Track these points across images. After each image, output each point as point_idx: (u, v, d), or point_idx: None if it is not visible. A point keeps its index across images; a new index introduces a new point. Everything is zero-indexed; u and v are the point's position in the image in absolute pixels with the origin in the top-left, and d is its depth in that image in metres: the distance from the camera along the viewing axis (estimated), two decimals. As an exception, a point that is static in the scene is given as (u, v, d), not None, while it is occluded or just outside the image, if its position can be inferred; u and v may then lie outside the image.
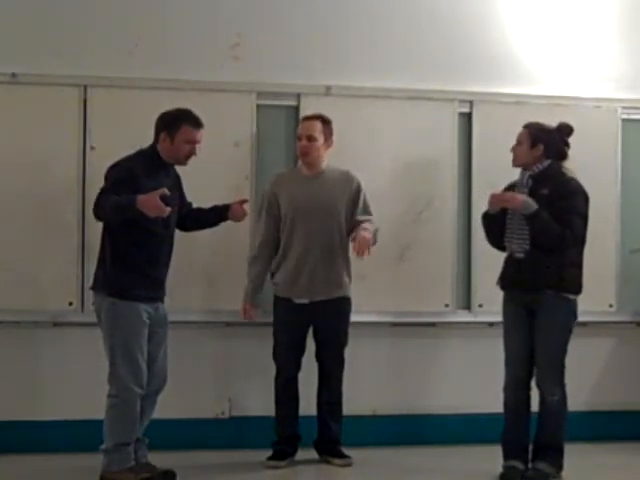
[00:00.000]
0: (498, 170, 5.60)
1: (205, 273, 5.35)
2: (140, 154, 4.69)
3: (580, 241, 4.88)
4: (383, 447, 5.25)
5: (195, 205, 5.01)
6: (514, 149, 5.00)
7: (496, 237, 4.98)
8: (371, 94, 5.54)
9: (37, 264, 5.20)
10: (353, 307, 5.20)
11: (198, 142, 4.73)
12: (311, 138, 5.08)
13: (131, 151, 4.72)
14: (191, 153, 4.72)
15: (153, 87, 5.30)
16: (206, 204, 5.08)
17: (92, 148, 5.25)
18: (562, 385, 4.88)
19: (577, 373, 5.76)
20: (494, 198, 4.90)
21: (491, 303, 5.57)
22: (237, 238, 5.34)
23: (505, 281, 5.00)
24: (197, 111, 5.22)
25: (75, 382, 5.23)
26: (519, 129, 5.66)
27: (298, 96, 5.50)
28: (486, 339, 5.67)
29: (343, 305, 5.16)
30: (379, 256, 5.24)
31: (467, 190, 5.62)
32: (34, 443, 5.25)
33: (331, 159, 5.21)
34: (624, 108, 5.83)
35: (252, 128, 5.45)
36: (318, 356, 5.19)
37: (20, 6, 5.33)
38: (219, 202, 5.08)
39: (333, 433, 5.18)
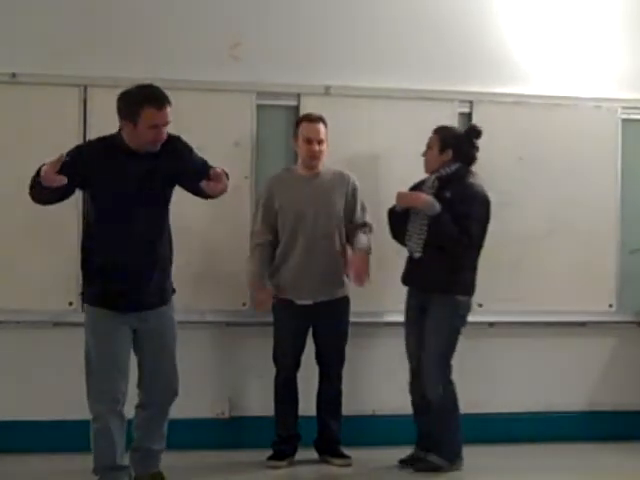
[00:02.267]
0: (498, 170, 5.62)
1: (205, 273, 5.34)
2: (103, 138, 4.27)
3: (476, 245, 4.99)
4: (383, 447, 5.25)
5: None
6: (425, 154, 5.11)
7: (400, 233, 5.09)
8: (371, 94, 5.54)
9: (37, 264, 5.20)
10: (353, 307, 5.22)
11: (164, 124, 4.15)
12: (321, 142, 5.12)
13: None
14: (157, 138, 4.16)
15: (153, 87, 5.30)
16: (205, 204, 5.08)
17: (92, 148, 5.25)
18: (447, 382, 5.02)
19: (577, 373, 5.80)
20: (400, 196, 5.00)
21: (491, 303, 5.60)
22: (237, 238, 5.34)
23: (405, 278, 5.15)
24: (197, 111, 5.27)
25: (75, 382, 5.20)
26: (519, 129, 5.70)
27: (298, 96, 5.50)
28: (486, 339, 5.69)
29: (344, 304, 5.19)
30: (379, 256, 5.24)
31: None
32: (34, 443, 5.25)
33: (331, 159, 5.23)
34: (624, 108, 5.83)
35: (252, 128, 5.45)
36: (319, 356, 5.19)
37: (20, 6, 5.34)
38: (219, 202, 5.09)
39: (333, 433, 5.19)
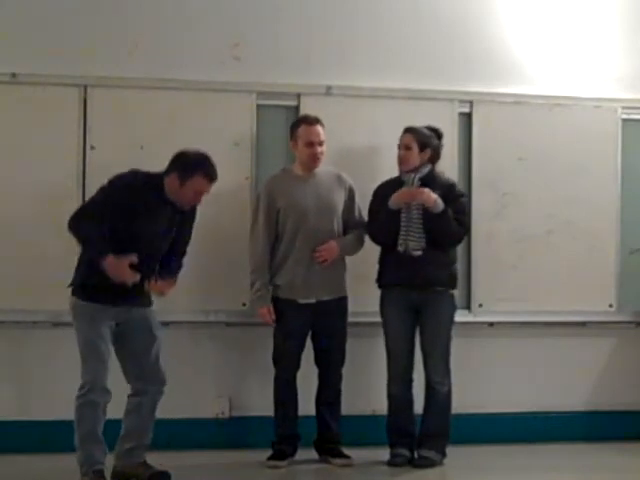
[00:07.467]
0: (498, 170, 5.62)
1: (205, 273, 5.34)
2: (151, 178, 4.54)
3: None
4: (383, 447, 5.25)
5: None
6: (404, 154, 5.13)
7: (391, 233, 5.06)
8: (371, 94, 5.55)
9: (37, 264, 5.20)
10: (354, 307, 5.22)
11: (206, 193, 4.60)
12: (322, 144, 5.12)
13: (131, 151, 4.74)
14: (196, 202, 4.61)
15: (153, 87, 5.30)
16: (206, 205, 5.10)
17: (92, 148, 5.26)
18: (449, 376, 5.09)
19: (577, 373, 5.79)
20: (406, 194, 5.02)
21: (491, 303, 5.60)
22: (237, 238, 5.34)
23: (390, 280, 5.12)
24: (197, 111, 5.29)
25: (75, 382, 5.21)
26: (519, 129, 5.68)
27: (298, 96, 5.50)
28: (486, 339, 5.69)
29: (344, 304, 5.20)
30: (379, 256, 5.24)
31: (467, 190, 5.60)
32: (34, 443, 5.25)
33: (331, 159, 5.23)
34: (624, 108, 5.83)
35: (252, 128, 5.45)
36: (319, 356, 5.19)
37: (20, 6, 5.34)
38: (219, 202, 5.16)
39: (333, 433, 5.19)
